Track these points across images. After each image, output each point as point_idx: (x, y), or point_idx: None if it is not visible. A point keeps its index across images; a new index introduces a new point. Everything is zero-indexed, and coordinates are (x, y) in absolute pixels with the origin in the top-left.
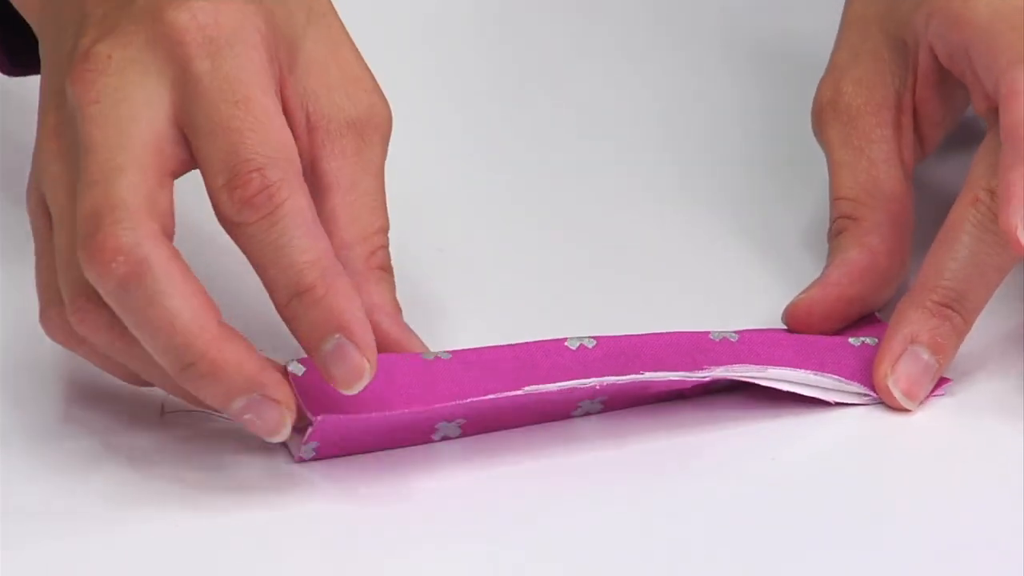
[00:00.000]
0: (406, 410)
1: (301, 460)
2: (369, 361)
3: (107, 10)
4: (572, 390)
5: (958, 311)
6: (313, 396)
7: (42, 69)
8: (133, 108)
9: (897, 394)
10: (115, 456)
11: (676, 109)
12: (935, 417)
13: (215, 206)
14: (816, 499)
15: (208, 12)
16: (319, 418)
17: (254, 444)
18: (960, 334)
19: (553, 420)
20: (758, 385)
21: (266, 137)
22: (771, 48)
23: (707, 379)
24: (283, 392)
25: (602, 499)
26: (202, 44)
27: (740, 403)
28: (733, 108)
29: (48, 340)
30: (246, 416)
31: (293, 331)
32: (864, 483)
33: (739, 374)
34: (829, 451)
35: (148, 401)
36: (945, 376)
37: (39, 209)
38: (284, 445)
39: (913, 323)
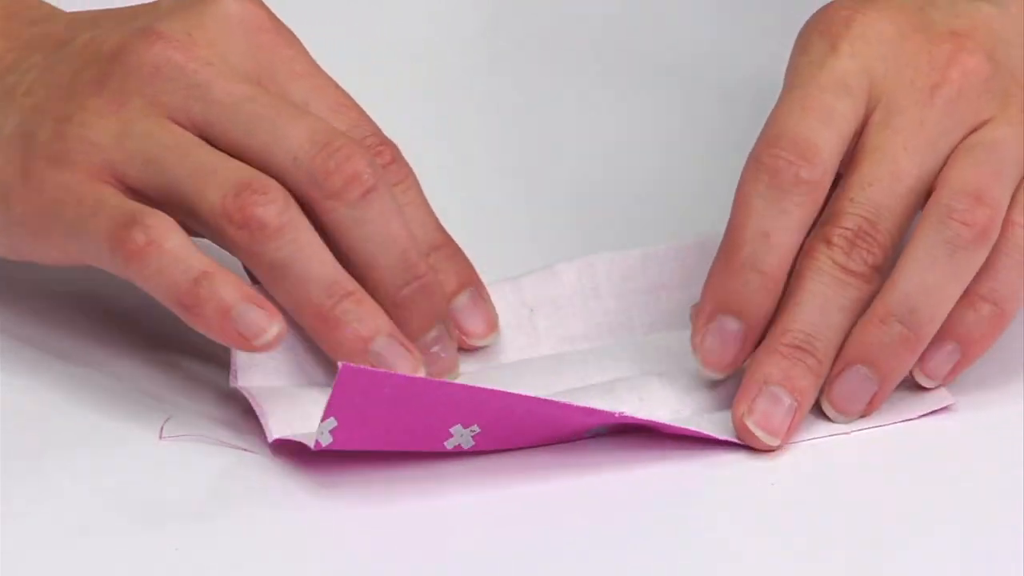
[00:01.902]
0: (426, 379)
1: (319, 447)
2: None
3: (121, 20)
4: (591, 411)
5: (810, 351)
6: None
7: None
8: (244, 74)
9: (754, 429)
10: (113, 472)
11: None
12: (939, 438)
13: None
14: (817, 524)
15: (260, 6)
16: (341, 366)
17: (252, 461)
18: (816, 373)
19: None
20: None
21: (369, 117)
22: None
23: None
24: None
25: (603, 526)
26: (278, 33)
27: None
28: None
29: (46, 346)
30: (434, 348)
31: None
32: (865, 507)
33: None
34: (828, 475)
35: (145, 419)
36: (947, 399)
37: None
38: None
39: (765, 366)
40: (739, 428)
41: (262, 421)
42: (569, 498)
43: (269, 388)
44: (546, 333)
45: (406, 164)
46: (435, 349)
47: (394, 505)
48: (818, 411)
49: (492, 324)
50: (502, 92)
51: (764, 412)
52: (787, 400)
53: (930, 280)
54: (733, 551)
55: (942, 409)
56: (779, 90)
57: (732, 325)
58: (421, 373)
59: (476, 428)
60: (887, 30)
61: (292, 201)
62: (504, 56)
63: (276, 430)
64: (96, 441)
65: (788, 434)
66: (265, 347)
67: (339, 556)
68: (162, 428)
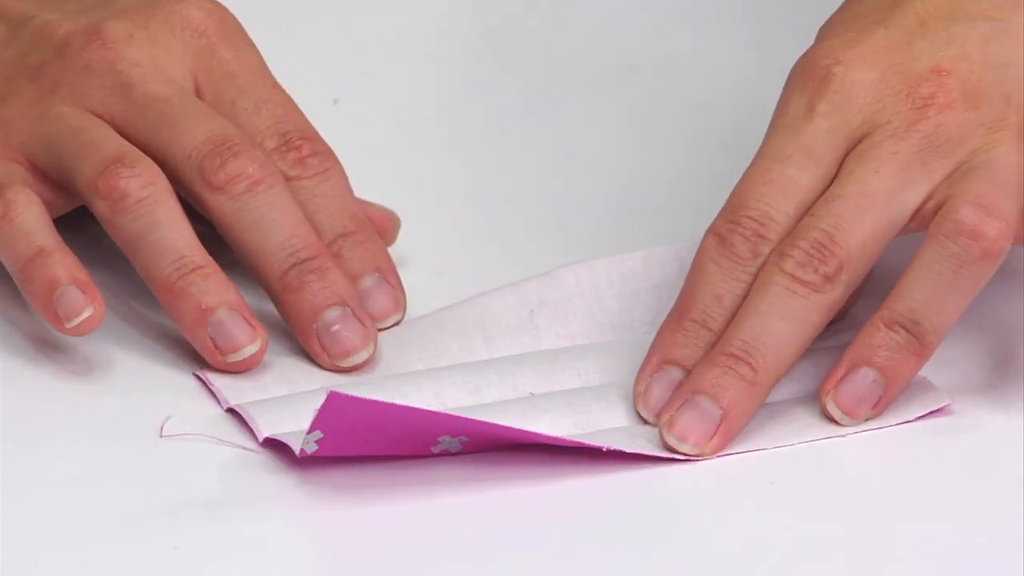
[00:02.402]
0: (413, 408)
1: (304, 455)
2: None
3: (86, 5)
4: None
5: (744, 360)
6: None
7: None
8: (171, 76)
9: (674, 443)
10: (113, 470)
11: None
12: (936, 439)
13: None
14: (817, 523)
15: (216, 9)
16: (329, 392)
17: (252, 460)
18: (750, 381)
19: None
20: None
21: (300, 114)
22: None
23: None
24: (368, 317)
25: (601, 526)
26: (224, 36)
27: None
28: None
29: (46, 342)
30: (335, 328)
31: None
32: (862, 508)
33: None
34: (826, 476)
35: (145, 417)
36: (944, 400)
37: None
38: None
39: (697, 376)
40: (661, 439)
41: (250, 424)
42: (565, 499)
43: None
44: (547, 331)
45: (329, 158)
46: (336, 328)
47: (393, 505)
48: (817, 413)
49: (396, 306)
50: (499, 94)
51: (685, 423)
52: (712, 409)
53: (934, 294)
54: (730, 551)
55: (939, 410)
56: (767, 95)
57: (677, 376)
58: (256, 347)
59: (464, 437)
60: (866, 78)
61: (162, 179)
62: (501, 59)
63: (265, 430)
64: (96, 439)
65: (717, 442)
66: (75, 331)
67: (337, 555)
68: (162, 427)
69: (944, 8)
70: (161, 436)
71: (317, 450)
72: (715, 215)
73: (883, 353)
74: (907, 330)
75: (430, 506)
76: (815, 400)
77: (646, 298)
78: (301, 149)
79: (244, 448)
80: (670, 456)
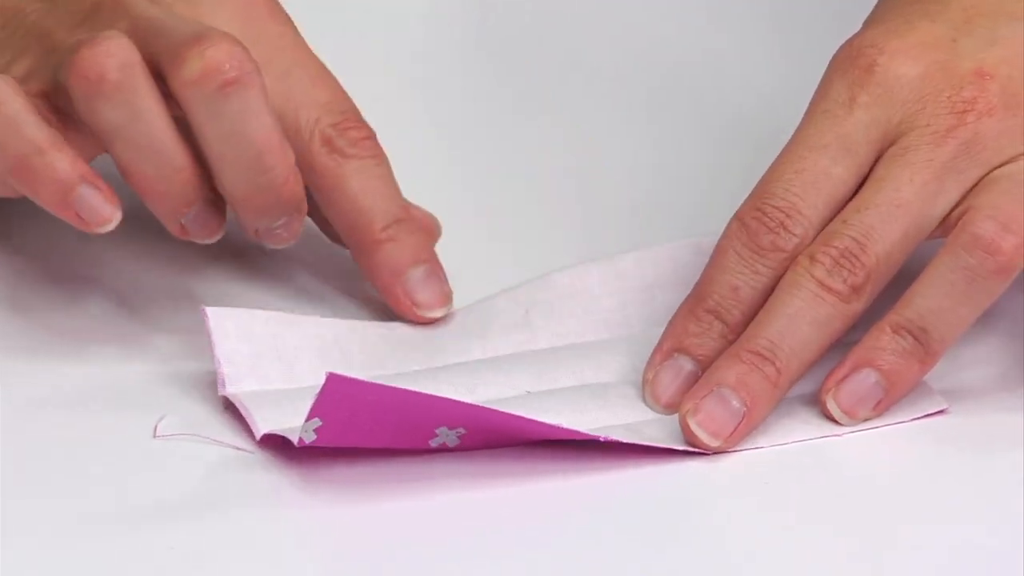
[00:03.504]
0: (413, 391)
1: (302, 443)
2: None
3: None
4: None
5: (770, 360)
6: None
7: None
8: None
9: (696, 429)
10: (107, 471)
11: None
12: (931, 440)
13: (311, 141)
14: (809, 524)
15: None
16: (328, 375)
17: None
18: (773, 382)
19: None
20: None
21: (351, 99)
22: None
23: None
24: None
25: (597, 525)
26: (272, 12)
27: None
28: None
29: (39, 343)
30: (426, 279)
31: (384, 255)
32: (858, 508)
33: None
34: (829, 476)
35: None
36: (940, 404)
37: None
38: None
39: (723, 369)
40: (682, 425)
41: (248, 421)
42: (560, 497)
43: (255, 393)
44: (543, 329)
45: (380, 146)
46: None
47: (387, 503)
48: (816, 412)
49: (444, 299)
50: (499, 94)
51: (709, 412)
52: (736, 404)
53: (945, 304)
54: (726, 551)
55: (935, 413)
56: (773, 94)
57: (687, 365)
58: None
59: (462, 430)
60: (909, 72)
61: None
62: (504, 59)
63: (263, 427)
64: (90, 440)
65: (734, 437)
66: (99, 231)
67: (333, 554)
68: (156, 427)
69: (988, 6)
70: (155, 436)
71: (316, 439)
72: (710, 214)
73: (888, 356)
74: (914, 336)
75: (430, 504)
76: (815, 399)
77: (640, 296)
78: (360, 130)
79: (238, 448)
80: (670, 448)
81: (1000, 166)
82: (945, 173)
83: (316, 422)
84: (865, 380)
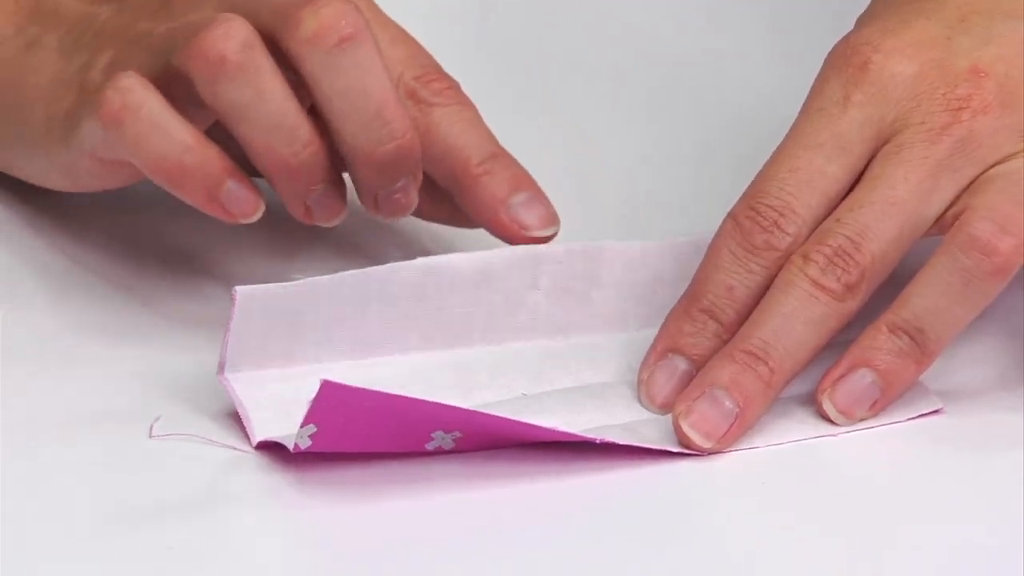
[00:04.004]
0: (408, 396)
1: (297, 450)
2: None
3: None
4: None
5: (764, 360)
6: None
7: None
8: None
9: (688, 431)
10: (103, 471)
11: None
12: (927, 440)
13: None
14: (808, 524)
15: None
16: (323, 381)
17: (242, 460)
18: (767, 382)
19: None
20: None
21: (430, 54)
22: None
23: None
24: None
25: (594, 526)
26: None
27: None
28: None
29: (37, 342)
30: (531, 203)
31: (484, 188)
32: (854, 507)
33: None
34: (828, 476)
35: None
36: (936, 404)
37: None
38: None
39: (716, 369)
40: (675, 427)
41: (245, 426)
42: (559, 497)
43: (252, 393)
44: (545, 317)
45: (464, 94)
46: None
47: (386, 503)
48: (812, 412)
49: (550, 219)
50: (495, 94)
51: (702, 414)
52: (728, 404)
53: (942, 305)
54: (725, 551)
55: (931, 413)
56: (773, 94)
57: (682, 365)
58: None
59: (458, 433)
60: (904, 70)
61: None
62: (496, 58)
63: (259, 433)
64: (86, 441)
65: (728, 438)
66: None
67: (331, 555)
68: (152, 427)
69: (984, 4)
70: (151, 436)
71: (311, 445)
72: (709, 213)
73: (884, 356)
74: (910, 336)
75: (428, 504)
76: (811, 398)
77: (641, 292)
78: (442, 80)
79: (235, 448)
80: (666, 449)
81: (996, 164)
82: (940, 171)
83: (311, 428)
84: (861, 380)
